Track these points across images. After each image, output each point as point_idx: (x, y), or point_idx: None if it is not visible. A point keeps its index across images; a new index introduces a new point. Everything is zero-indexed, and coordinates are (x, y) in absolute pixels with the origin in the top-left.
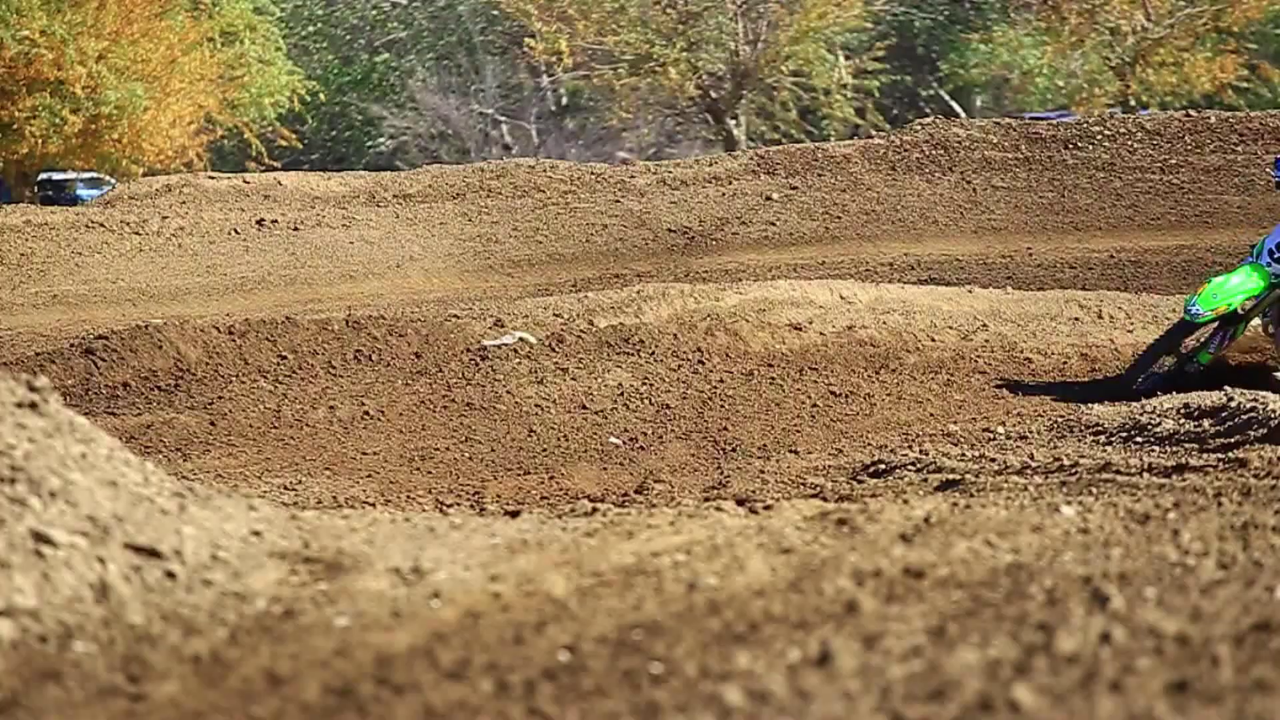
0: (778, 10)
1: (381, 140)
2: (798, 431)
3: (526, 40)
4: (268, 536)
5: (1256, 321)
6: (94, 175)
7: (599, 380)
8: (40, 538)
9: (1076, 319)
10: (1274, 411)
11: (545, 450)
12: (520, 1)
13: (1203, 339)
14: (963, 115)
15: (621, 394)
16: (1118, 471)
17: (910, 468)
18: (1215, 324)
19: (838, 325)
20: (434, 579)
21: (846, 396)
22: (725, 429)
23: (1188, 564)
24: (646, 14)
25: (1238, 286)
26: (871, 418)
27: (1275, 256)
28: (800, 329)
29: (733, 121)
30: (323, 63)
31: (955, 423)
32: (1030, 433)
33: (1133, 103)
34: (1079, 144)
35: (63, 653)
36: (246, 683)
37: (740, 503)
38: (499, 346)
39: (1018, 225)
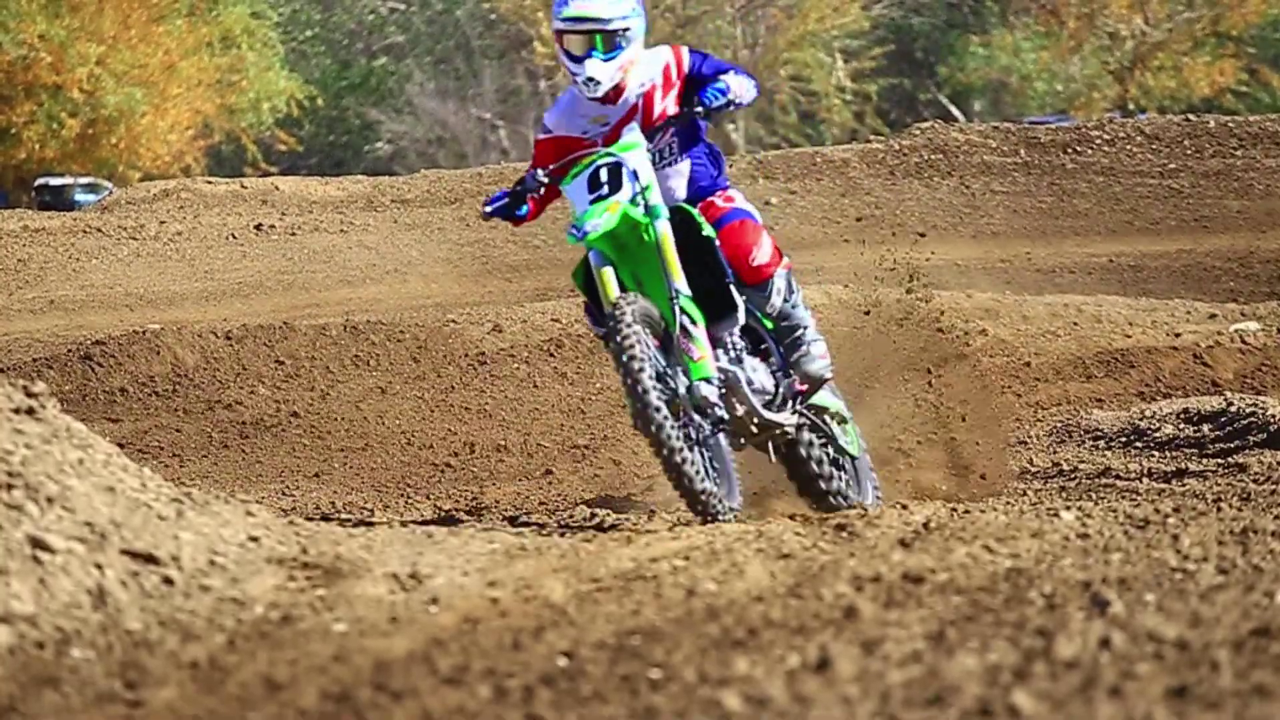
0: (776, 14)
1: (379, 145)
2: None
3: (535, 41)
4: (265, 542)
5: (1254, 325)
6: (91, 180)
7: (597, 385)
8: (38, 544)
9: (1075, 323)
10: (1273, 416)
11: (544, 455)
12: (525, 6)
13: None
14: (961, 119)
15: (620, 399)
16: (1117, 476)
17: None
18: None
19: (836, 331)
20: (432, 585)
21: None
22: None
23: (1187, 569)
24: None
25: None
26: (870, 421)
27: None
28: None
29: (731, 125)
30: (320, 67)
31: None
32: (1029, 438)
33: (1131, 107)
34: (1078, 148)
35: (60, 659)
36: (244, 689)
37: None
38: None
39: (1017, 230)
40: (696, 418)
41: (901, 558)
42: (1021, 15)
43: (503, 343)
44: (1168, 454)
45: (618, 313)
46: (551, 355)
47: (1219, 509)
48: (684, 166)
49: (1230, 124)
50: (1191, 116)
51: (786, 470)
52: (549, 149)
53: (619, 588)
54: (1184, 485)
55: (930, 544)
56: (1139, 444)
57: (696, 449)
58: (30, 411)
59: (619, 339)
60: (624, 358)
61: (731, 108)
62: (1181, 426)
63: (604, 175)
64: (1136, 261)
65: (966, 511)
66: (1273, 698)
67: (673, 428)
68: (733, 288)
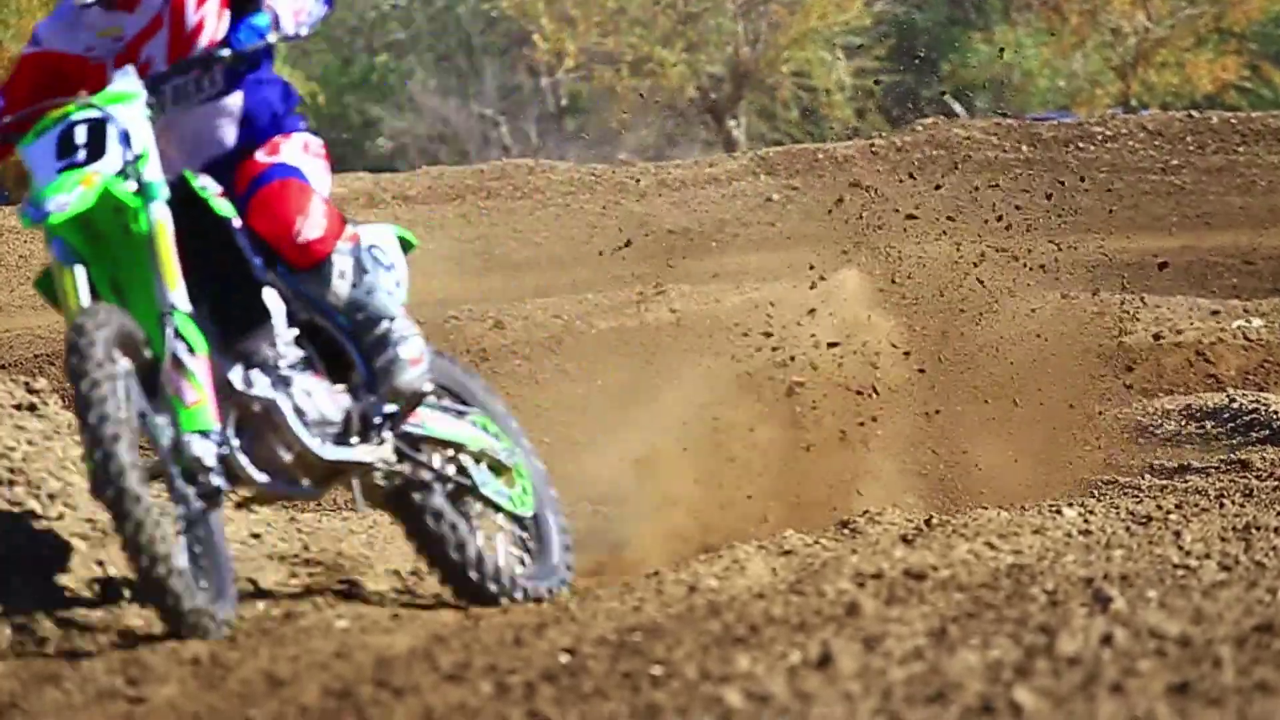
0: (778, 11)
1: (381, 142)
2: None
3: (534, 38)
4: (267, 539)
5: (1257, 322)
6: None
7: (599, 382)
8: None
9: (1078, 320)
10: (1276, 413)
11: (545, 452)
12: (527, 3)
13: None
14: (964, 116)
15: (626, 396)
16: (1120, 473)
17: None
18: None
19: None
20: (434, 581)
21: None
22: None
23: (1190, 566)
24: (647, 14)
25: None
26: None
27: None
28: None
29: (733, 122)
30: (322, 64)
31: None
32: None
33: (1134, 103)
34: (1080, 144)
35: (62, 655)
36: (246, 685)
37: None
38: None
39: (1018, 226)
40: (184, 487)
41: (903, 554)
42: (1024, 11)
43: (504, 339)
44: (1170, 450)
45: (82, 333)
46: (553, 352)
47: (1221, 505)
48: (233, 102)
49: (1233, 120)
50: (1194, 113)
51: (402, 528)
52: (36, 67)
53: (620, 584)
54: (1186, 482)
55: (932, 541)
56: (1141, 440)
57: (181, 533)
58: (32, 408)
59: (80, 371)
60: (87, 395)
61: (283, 41)
62: (1184, 423)
63: (81, 135)
64: (1139, 258)
65: (969, 508)
66: (1275, 694)
67: (150, 501)
68: (266, 289)
